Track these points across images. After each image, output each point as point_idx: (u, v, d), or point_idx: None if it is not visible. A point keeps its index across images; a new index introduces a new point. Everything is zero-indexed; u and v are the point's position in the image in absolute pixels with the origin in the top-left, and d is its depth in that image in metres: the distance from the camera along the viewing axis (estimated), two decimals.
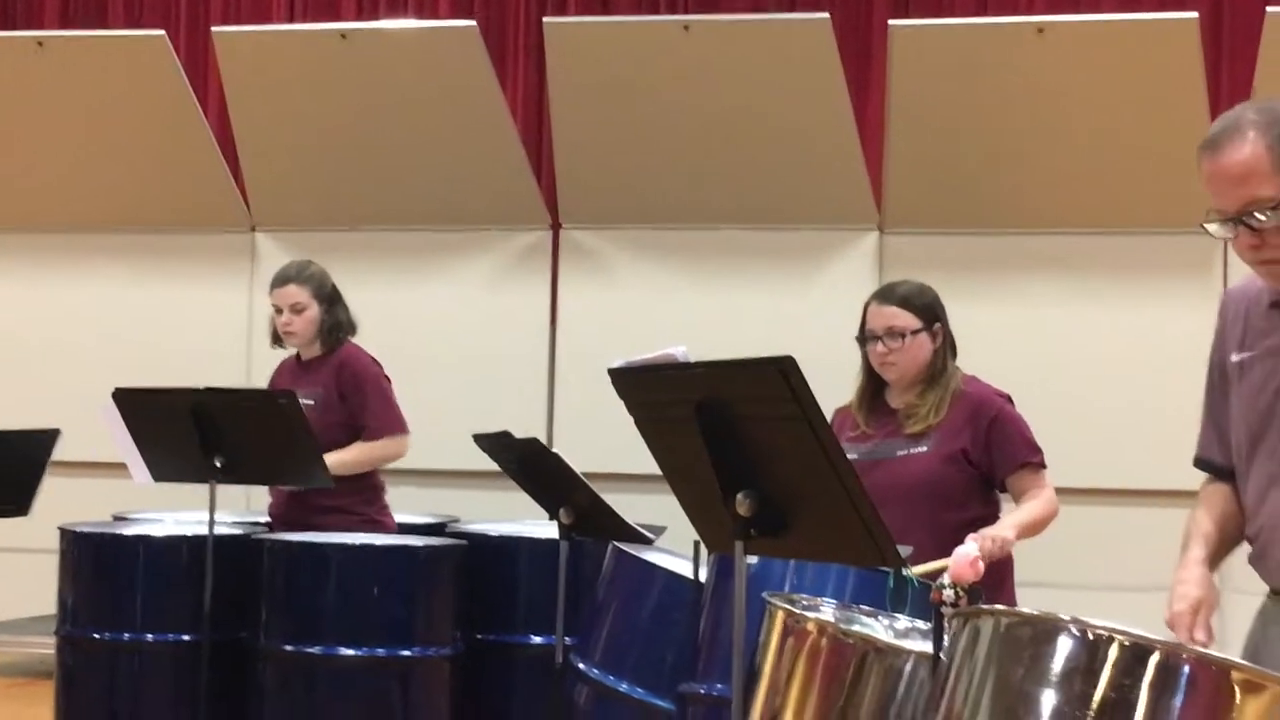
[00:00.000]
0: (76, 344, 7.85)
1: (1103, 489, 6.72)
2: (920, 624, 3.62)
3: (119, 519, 6.43)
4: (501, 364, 7.41)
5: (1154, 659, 2.51)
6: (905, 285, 4.76)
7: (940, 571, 3.75)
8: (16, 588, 7.61)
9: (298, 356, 6.07)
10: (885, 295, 4.74)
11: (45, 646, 6.49)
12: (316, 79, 7.40)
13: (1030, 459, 4.59)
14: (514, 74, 8.71)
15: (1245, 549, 3.28)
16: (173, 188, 7.72)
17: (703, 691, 4.15)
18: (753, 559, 3.44)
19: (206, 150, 7.65)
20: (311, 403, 5.74)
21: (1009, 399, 4.67)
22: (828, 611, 3.66)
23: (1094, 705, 2.50)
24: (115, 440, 5.86)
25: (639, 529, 5.01)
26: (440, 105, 7.30)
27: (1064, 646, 2.56)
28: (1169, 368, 6.36)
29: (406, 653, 5.42)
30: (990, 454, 4.56)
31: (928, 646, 3.13)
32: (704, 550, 4.25)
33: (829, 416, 3.41)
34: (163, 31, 7.75)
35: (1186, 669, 2.51)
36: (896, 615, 3.73)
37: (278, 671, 5.44)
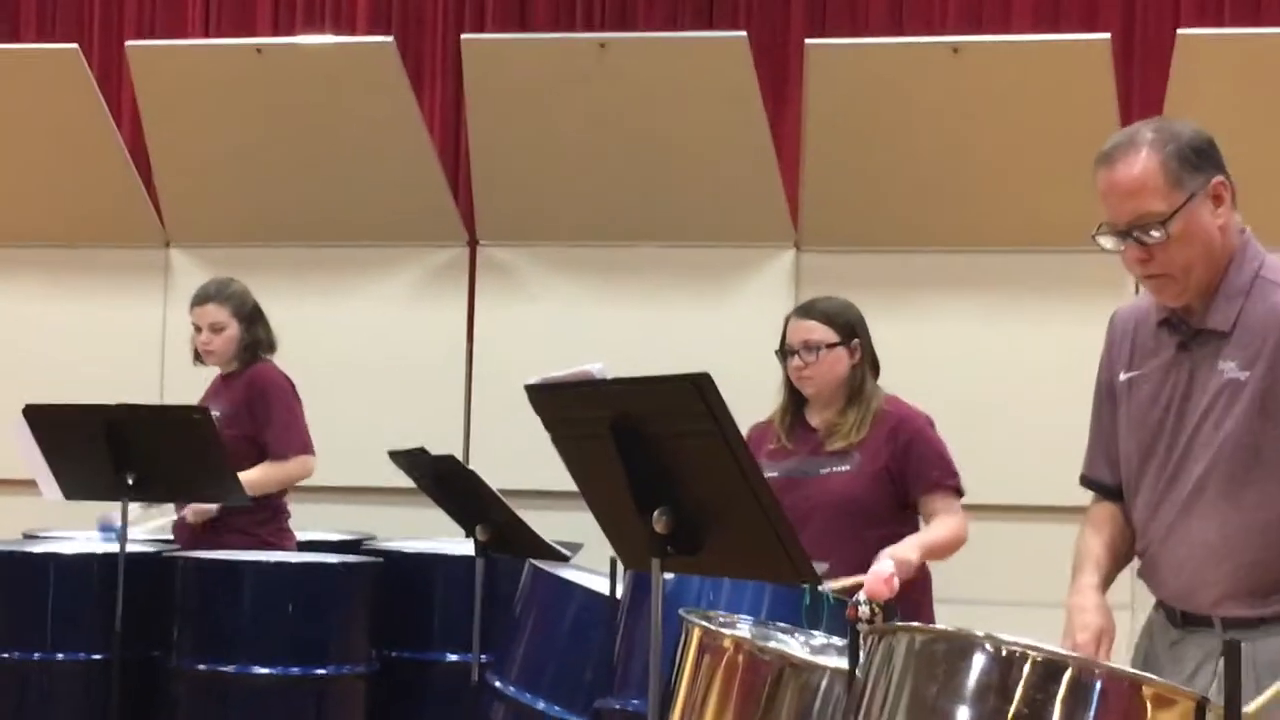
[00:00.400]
0: None
1: (1020, 505, 6.75)
2: (836, 640, 3.63)
3: (29, 537, 6.36)
4: (418, 381, 7.38)
5: (1067, 675, 2.53)
6: (827, 301, 4.78)
7: (856, 588, 3.77)
8: None
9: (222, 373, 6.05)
10: (805, 310, 4.77)
11: None
12: (232, 94, 7.34)
13: (945, 481, 4.60)
14: (431, 90, 8.67)
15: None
16: (86, 202, 7.65)
17: (619, 708, 4.15)
18: (669, 576, 3.44)
19: (120, 165, 7.58)
20: (218, 413, 5.70)
21: (931, 423, 4.68)
22: (744, 628, 3.67)
23: None
24: (25, 457, 5.79)
25: (555, 546, 5.01)
26: (357, 121, 7.27)
27: (978, 663, 2.58)
28: (1084, 385, 6.38)
29: (321, 671, 5.39)
30: (905, 472, 4.58)
31: (844, 663, 3.15)
32: (621, 567, 4.25)
33: (745, 433, 3.42)
34: (76, 45, 7.68)
35: (1099, 684, 2.54)
36: (813, 632, 3.74)
37: (190, 691, 5.40)
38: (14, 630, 5.52)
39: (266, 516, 5.87)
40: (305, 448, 5.93)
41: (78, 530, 6.34)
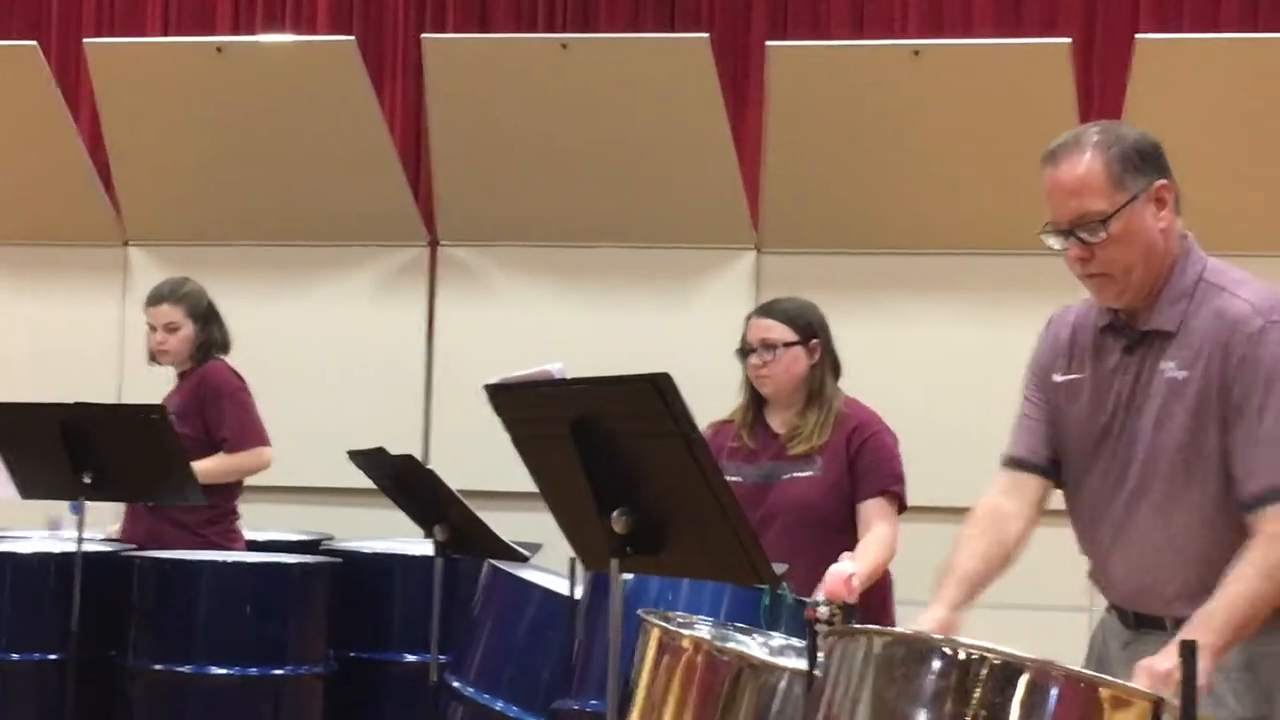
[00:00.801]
0: None
1: None
2: (795, 641, 3.63)
3: None
4: (377, 381, 7.36)
5: (1024, 678, 2.54)
6: (788, 301, 4.78)
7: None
8: None
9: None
10: (765, 309, 4.78)
11: None
12: (191, 92, 7.31)
13: (888, 488, 4.58)
14: (392, 89, 8.65)
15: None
16: (44, 200, 7.61)
17: (577, 709, 4.15)
18: (628, 576, 3.44)
19: (78, 163, 7.55)
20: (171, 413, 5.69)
21: (888, 429, 4.68)
22: (703, 629, 3.67)
23: None
24: None
25: (515, 547, 5.00)
26: (317, 120, 7.24)
27: (936, 666, 2.59)
28: None
29: (279, 671, 5.38)
30: (853, 475, 4.57)
31: (803, 664, 3.15)
32: (580, 568, 4.25)
33: (704, 432, 3.42)
34: (35, 42, 7.64)
35: (1056, 687, 2.55)
36: (772, 633, 3.75)
37: (147, 691, 5.37)
38: None
39: (215, 517, 5.83)
40: (260, 439, 5.92)
41: (36, 530, 6.30)
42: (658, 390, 2.94)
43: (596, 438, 3.04)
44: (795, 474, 4.58)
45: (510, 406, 3.30)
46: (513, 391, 3.44)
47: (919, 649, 2.63)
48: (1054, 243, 3.19)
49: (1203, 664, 2.59)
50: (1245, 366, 3.08)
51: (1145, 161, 3.16)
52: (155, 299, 5.98)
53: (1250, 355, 3.08)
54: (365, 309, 7.47)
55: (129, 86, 7.37)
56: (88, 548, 5.40)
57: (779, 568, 3.46)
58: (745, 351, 4.69)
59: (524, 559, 5.08)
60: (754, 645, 3.64)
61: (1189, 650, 2.50)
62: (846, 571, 3.86)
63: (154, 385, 6.21)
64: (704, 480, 2.99)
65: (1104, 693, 2.54)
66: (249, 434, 5.89)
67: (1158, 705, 2.50)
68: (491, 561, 4.94)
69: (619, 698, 3.27)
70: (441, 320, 7.42)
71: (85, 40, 7.89)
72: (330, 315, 7.46)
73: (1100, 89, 7.83)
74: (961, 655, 2.56)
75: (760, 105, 7.36)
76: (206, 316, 5.99)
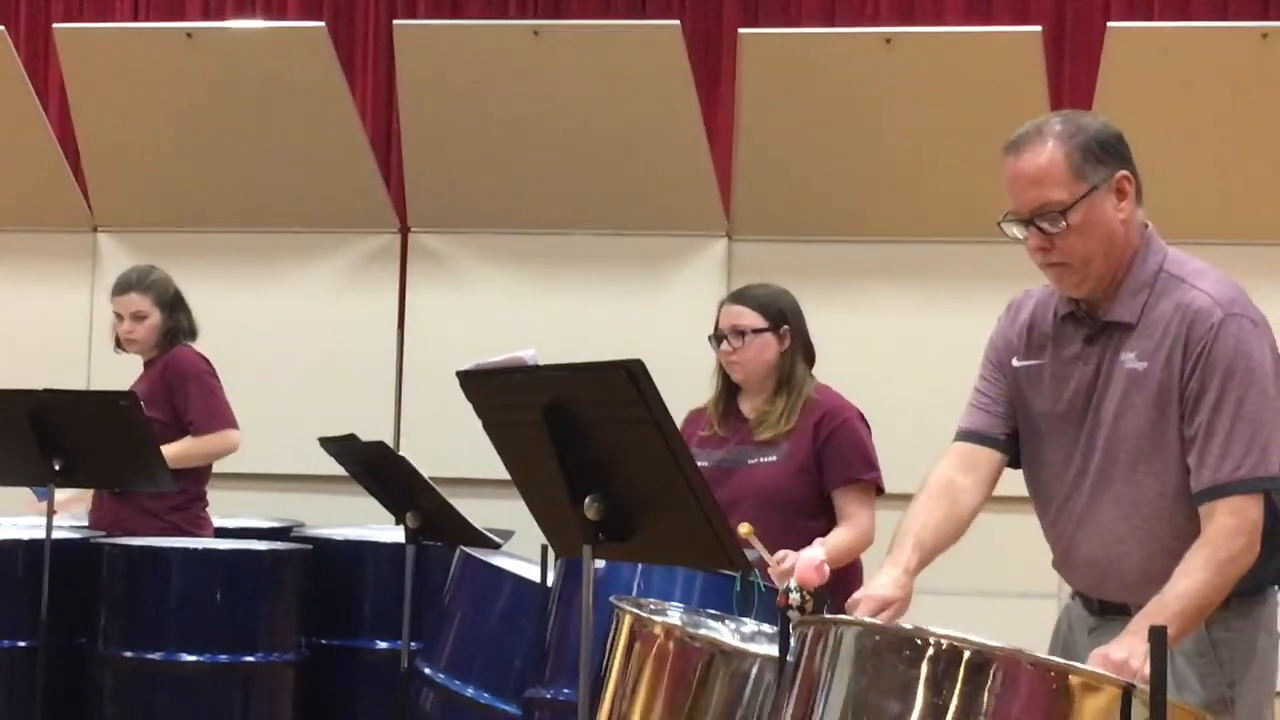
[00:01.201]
0: None
1: None
2: (767, 628, 3.64)
3: None
4: (348, 368, 7.35)
5: (995, 666, 2.55)
6: (759, 288, 4.79)
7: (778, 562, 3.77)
8: None
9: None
10: (737, 296, 4.79)
11: None
12: (161, 78, 7.29)
13: (861, 475, 4.59)
14: (363, 76, 8.64)
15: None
16: (12, 186, 7.57)
17: (549, 696, 4.15)
18: (600, 563, 3.44)
19: (47, 149, 7.52)
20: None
21: (861, 416, 4.68)
22: (675, 615, 3.68)
23: (936, 713, 2.53)
24: None
25: (486, 533, 5.00)
26: (288, 107, 7.22)
27: (908, 655, 2.59)
28: None
29: (250, 658, 5.36)
30: (823, 463, 4.57)
31: (774, 650, 3.16)
32: (552, 555, 4.25)
33: (679, 421, 3.42)
34: (2, 27, 7.60)
35: (1027, 675, 2.56)
36: (743, 619, 3.75)
37: (117, 678, 5.35)
38: None
39: (182, 503, 5.82)
40: (228, 422, 5.89)
41: (3, 517, 6.28)
42: (630, 377, 2.94)
43: (569, 424, 3.04)
44: (760, 459, 4.58)
45: (482, 393, 3.30)
46: (485, 378, 3.43)
47: (891, 638, 2.64)
48: (1015, 232, 3.21)
49: (1145, 650, 2.59)
50: (1203, 359, 3.09)
51: (1106, 152, 3.17)
52: (122, 287, 5.95)
53: (1209, 348, 3.09)
54: (336, 296, 7.45)
55: (98, 72, 7.34)
56: (57, 535, 5.38)
57: (750, 554, 3.47)
58: (717, 338, 4.70)
59: (496, 546, 5.08)
60: (726, 631, 3.65)
61: (1159, 636, 2.52)
62: (818, 558, 3.86)
63: (123, 371, 6.19)
64: (676, 466, 3.00)
65: (1074, 680, 2.55)
66: (216, 417, 5.87)
67: (1127, 691, 2.51)
68: (463, 548, 4.94)
69: (591, 685, 3.27)
70: (413, 307, 7.42)
71: (54, 25, 7.87)
72: (301, 302, 7.45)
73: (1071, 77, 7.86)
74: (932, 644, 2.57)
75: (732, 92, 7.37)
76: (173, 305, 5.97)
